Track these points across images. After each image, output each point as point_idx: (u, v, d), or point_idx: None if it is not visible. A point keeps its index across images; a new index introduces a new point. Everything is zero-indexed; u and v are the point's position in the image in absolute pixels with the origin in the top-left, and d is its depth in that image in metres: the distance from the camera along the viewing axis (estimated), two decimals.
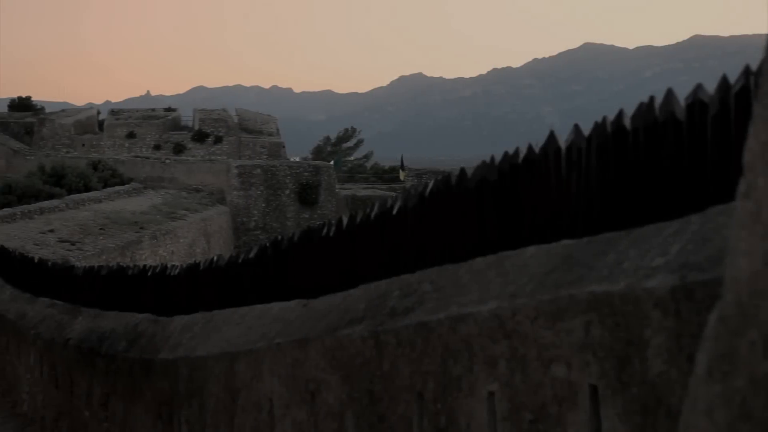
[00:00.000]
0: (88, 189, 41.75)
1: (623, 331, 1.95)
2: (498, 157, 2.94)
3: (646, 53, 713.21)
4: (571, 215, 2.52)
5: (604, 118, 2.43)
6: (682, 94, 2.22)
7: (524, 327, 2.31)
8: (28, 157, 52.28)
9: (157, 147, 61.72)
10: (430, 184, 3.30)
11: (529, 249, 2.62)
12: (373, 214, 3.76)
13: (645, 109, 2.26)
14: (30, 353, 11.58)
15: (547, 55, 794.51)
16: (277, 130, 67.32)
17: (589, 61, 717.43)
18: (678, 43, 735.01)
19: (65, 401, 9.73)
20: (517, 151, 2.81)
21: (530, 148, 2.75)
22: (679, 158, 2.16)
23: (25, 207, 32.43)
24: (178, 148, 61.42)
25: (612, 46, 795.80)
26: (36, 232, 27.64)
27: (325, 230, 4.27)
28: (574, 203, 2.51)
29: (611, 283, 2.02)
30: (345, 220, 4.06)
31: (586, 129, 2.52)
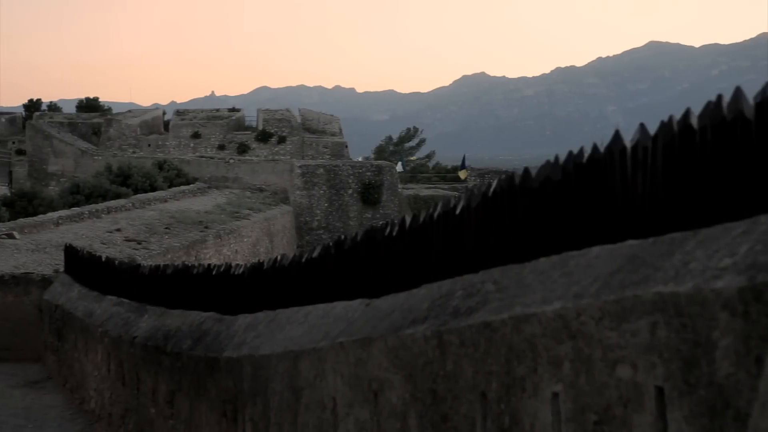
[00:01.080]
0: (153, 189, 42.28)
1: (690, 333, 1.93)
2: (562, 157, 2.92)
3: (713, 51, 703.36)
4: (636, 215, 2.49)
5: (671, 117, 2.40)
6: (749, 93, 2.19)
7: (589, 328, 2.30)
8: (95, 157, 53.09)
9: (221, 147, 62.29)
10: (494, 184, 3.29)
11: (594, 249, 2.60)
12: (436, 214, 3.75)
13: (713, 107, 2.23)
14: (97, 351, 11.74)
15: (611, 54, 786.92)
16: (340, 129, 67.52)
17: (654, 59, 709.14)
18: (745, 41, 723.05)
19: (132, 398, 9.85)
20: (581, 151, 2.79)
21: (595, 148, 2.73)
22: (748, 157, 2.13)
23: (93, 206, 32.94)
24: (242, 148, 61.93)
25: (678, 44, 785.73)
26: (103, 231, 28.04)
27: (387, 230, 4.28)
28: (640, 203, 2.48)
29: (678, 283, 2.00)
30: (408, 220, 4.06)
31: (651, 128, 2.50)
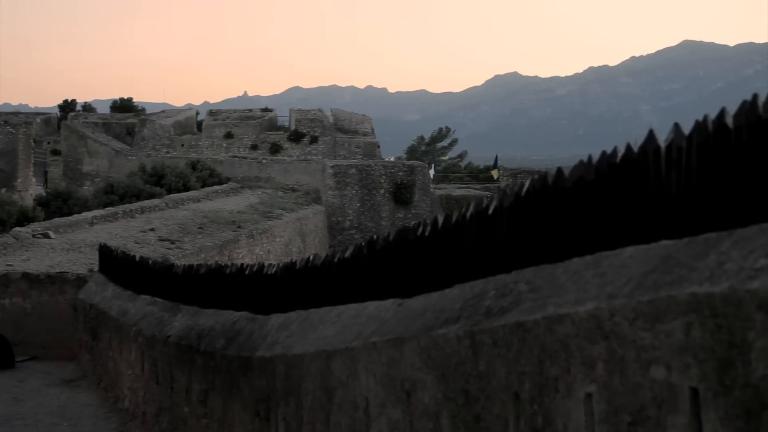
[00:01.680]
0: (187, 188, 42.50)
1: (725, 334, 1.92)
2: (595, 157, 2.91)
3: (747, 50, 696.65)
4: (670, 215, 2.48)
5: (705, 117, 2.38)
6: None
7: (623, 328, 2.29)
8: (129, 157, 53.45)
9: (254, 147, 62.54)
10: (527, 184, 3.28)
11: (628, 249, 2.59)
12: (468, 214, 3.75)
13: (748, 106, 2.21)
14: (131, 350, 11.82)
15: (644, 53, 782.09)
16: (372, 129, 67.59)
17: (688, 58, 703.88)
18: None
19: (165, 397, 9.91)
20: (615, 151, 2.78)
21: (629, 148, 2.72)
22: None
23: (127, 206, 33.16)
24: (275, 148, 62.14)
25: (712, 43, 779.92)
26: (137, 231, 28.23)
27: (420, 230, 4.28)
28: (674, 203, 2.47)
29: (713, 284, 1.98)
30: (440, 220, 4.06)
31: (685, 128, 2.48)
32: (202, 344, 8.14)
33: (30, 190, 46.67)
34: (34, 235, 25.03)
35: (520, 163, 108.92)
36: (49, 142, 66.59)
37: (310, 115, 65.26)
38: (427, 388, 3.61)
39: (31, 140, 49.30)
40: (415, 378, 3.73)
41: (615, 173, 2.74)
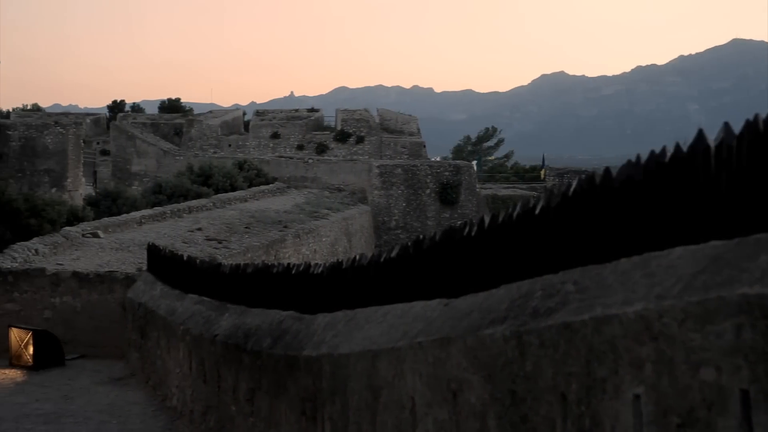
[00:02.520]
0: (234, 188, 42.77)
1: None
2: (643, 157, 2.89)
3: None
4: (720, 215, 2.45)
5: (756, 116, 2.36)
6: None
7: (671, 329, 2.27)
8: (177, 158, 53.89)
9: (300, 147, 62.79)
10: (574, 184, 3.27)
11: (677, 249, 2.57)
12: (515, 214, 3.74)
13: None
14: (179, 348, 11.91)
15: (693, 52, 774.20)
16: (418, 129, 67.57)
17: (738, 57, 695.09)
18: None
19: (213, 396, 9.98)
20: (663, 150, 2.75)
21: (678, 147, 2.69)
22: None
23: (175, 206, 33.44)
24: (321, 148, 62.34)
25: (762, 42, 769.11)
26: (185, 231, 28.46)
27: (466, 230, 4.27)
28: (724, 203, 2.44)
29: (764, 285, 1.96)
30: (487, 220, 4.05)
31: (735, 127, 2.46)
32: (249, 343, 8.18)
33: (80, 189, 47.23)
34: (83, 235, 25.33)
35: (567, 162, 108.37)
36: (98, 143, 67.38)
37: (356, 115, 65.38)
38: (474, 388, 3.60)
39: (81, 140, 49.88)
40: (461, 378, 3.72)
41: (664, 173, 2.72)
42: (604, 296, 2.71)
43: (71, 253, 22.61)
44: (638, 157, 2.91)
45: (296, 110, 73.37)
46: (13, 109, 79.27)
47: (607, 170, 3.05)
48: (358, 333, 5.45)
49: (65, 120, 52.99)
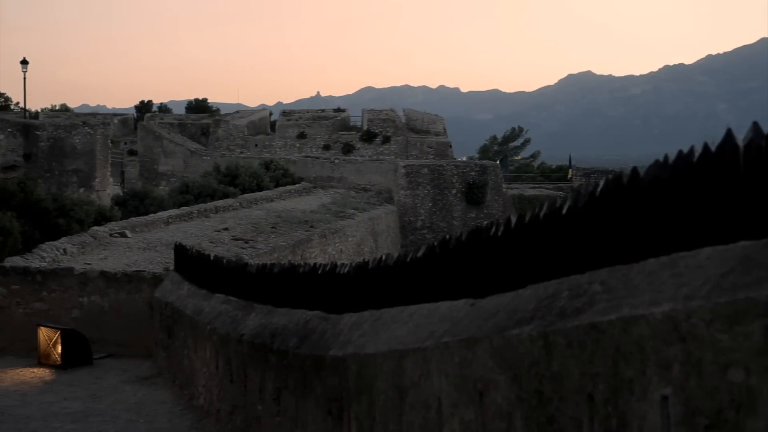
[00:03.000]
0: (260, 188, 42.92)
1: None
2: (671, 156, 2.87)
3: None
4: (749, 216, 2.44)
5: None
6: None
7: (699, 330, 2.26)
8: (204, 158, 54.15)
9: (326, 147, 62.91)
10: (601, 184, 3.25)
11: (705, 250, 2.56)
12: (542, 214, 3.73)
13: None
14: (206, 348, 11.96)
15: (721, 51, 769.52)
16: (444, 129, 67.55)
17: (767, 56, 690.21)
18: None
19: (239, 395, 10.01)
20: (691, 150, 2.74)
21: (706, 147, 2.68)
22: None
23: (202, 206, 33.59)
24: (347, 148, 62.45)
25: None
26: (211, 230, 28.60)
27: (493, 230, 4.26)
28: (753, 203, 2.42)
29: None
30: (513, 220, 4.04)
31: (764, 126, 2.44)
32: (275, 343, 8.20)
33: (107, 189, 47.53)
34: (111, 235, 25.49)
35: (594, 162, 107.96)
36: (126, 143, 67.78)
37: (382, 115, 65.43)
38: (500, 388, 3.60)
39: (109, 141, 50.18)
40: (487, 378, 3.72)
41: (692, 172, 2.70)
42: (631, 297, 2.70)
43: (99, 252, 22.77)
44: (666, 157, 2.90)
45: (322, 110, 73.54)
46: (42, 110, 79.89)
47: (635, 170, 3.04)
48: (385, 333, 5.46)
49: (93, 120, 53.34)
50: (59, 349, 16.13)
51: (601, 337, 2.76)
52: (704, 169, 2.65)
